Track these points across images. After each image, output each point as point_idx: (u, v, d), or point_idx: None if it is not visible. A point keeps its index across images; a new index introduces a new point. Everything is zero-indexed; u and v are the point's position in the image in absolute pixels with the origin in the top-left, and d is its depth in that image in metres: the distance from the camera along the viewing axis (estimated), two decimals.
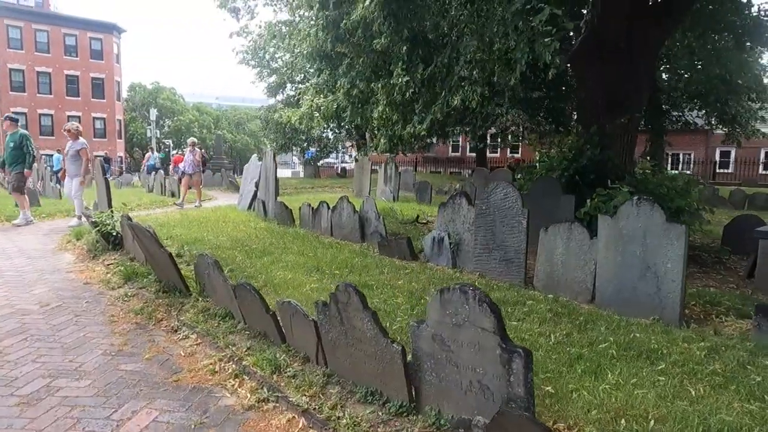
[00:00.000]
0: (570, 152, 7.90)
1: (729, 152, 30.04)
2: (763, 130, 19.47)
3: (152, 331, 4.14)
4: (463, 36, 6.13)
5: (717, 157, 31.16)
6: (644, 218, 4.33)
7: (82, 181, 9.39)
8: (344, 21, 6.92)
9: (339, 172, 33.18)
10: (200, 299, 4.60)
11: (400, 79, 6.25)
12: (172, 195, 14.89)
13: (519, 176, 8.59)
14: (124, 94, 51.93)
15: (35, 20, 42.00)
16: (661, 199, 7.21)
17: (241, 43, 25.58)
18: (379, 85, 6.67)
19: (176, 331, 4.09)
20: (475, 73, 5.77)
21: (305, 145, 27.26)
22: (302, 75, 14.12)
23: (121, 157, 42.74)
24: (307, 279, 5.15)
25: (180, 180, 14.75)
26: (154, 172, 20.06)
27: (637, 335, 3.66)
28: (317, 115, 9.00)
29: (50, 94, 42.76)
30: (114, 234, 6.63)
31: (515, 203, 5.38)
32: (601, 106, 7.75)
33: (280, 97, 26.87)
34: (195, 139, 14.51)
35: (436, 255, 6.34)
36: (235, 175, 26.76)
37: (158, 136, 41.10)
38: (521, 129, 20.42)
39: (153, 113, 36.21)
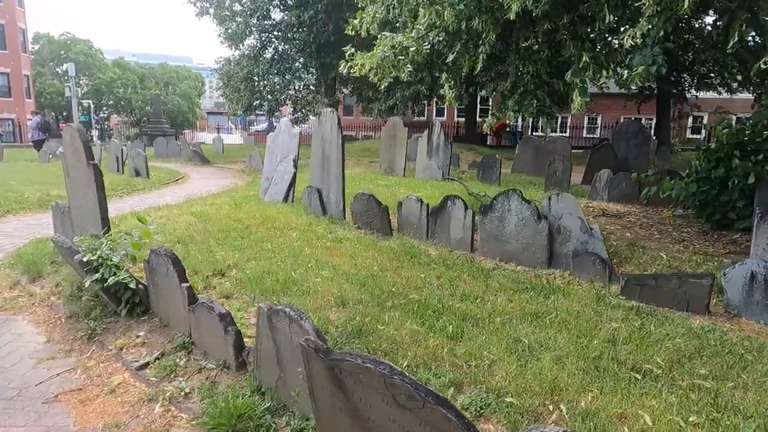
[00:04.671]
0: None
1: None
2: None
3: None
4: None
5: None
6: None
7: None
8: None
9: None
10: None
11: None
12: (137, 174, 10.88)
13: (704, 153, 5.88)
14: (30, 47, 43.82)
15: None
16: None
17: None
18: None
19: None
20: None
21: (274, 105, 22.86)
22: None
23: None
24: None
25: None
26: None
27: None
28: (402, 59, 5.69)
29: None
30: (132, 288, 3.20)
31: None
32: None
33: (241, 49, 22.10)
34: None
35: (762, 306, 3.51)
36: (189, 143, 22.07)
37: (78, 95, 34.45)
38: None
39: (72, 68, 29.64)
